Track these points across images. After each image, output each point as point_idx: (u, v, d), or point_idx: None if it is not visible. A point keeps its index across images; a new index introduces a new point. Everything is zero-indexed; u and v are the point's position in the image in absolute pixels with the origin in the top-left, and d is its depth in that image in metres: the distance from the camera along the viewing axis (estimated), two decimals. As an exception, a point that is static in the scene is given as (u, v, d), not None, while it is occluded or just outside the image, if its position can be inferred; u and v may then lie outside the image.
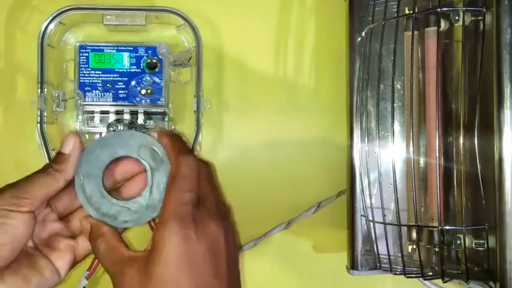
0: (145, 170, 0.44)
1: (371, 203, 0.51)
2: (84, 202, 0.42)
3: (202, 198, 0.40)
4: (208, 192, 0.41)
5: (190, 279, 0.37)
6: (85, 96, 0.54)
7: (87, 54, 0.54)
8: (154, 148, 0.43)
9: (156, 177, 0.43)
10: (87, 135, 0.55)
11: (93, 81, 0.54)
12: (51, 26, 0.52)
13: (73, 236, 0.45)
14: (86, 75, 0.54)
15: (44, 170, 0.43)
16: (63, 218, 0.46)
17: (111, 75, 0.54)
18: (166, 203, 0.40)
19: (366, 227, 0.52)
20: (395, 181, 0.48)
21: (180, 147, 0.44)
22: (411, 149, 0.49)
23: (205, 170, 0.42)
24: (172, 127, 0.56)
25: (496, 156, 0.43)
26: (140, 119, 0.54)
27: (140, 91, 0.54)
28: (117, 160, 0.45)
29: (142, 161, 0.43)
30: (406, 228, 0.50)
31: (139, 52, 0.54)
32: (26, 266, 0.41)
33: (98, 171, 0.43)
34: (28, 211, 0.40)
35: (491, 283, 0.45)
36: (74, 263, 0.45)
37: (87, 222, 0.43)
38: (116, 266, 0.40)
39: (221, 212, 0.41)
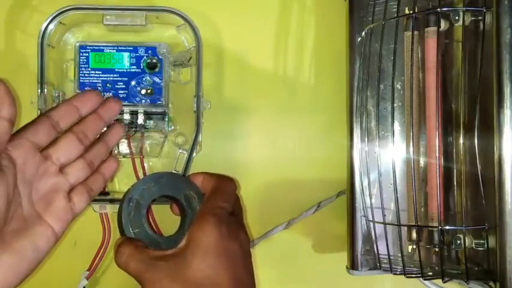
0: (183, 214, 0.47)
1: (371, 203, 0.51)
2: (126, 224, 0.45)
3: (235, 213, 0.45)
4: (239, 210, 0.47)
5: (227, 270, 0.40)
6: (85, 96, 0.54)
7: (87, 54, 0.54)
8: (198, 199, 0.47)
9: (191, 222, 0.45)
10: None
11: (93, 81, 0.54)
12: (51, 26, 0.52)
13: (71, 189, 0.44)
14: (86, 75, 0.54)
15: None
16: (63, 169, 0.44)
17: (111, 75, 0.54)
18: (203, 208, 0.44)
19: (366, 227, 0.52)
20: (395, 181, 0.48)
21: (217, 175, 0.48)
22: (411, 149, 0.49)
23: (233, 188, 0.47)
24: (172, 127, 0.56)
25: (496, 156, 0.43)
26: (140, 119, 0.54)
27: (140, 91, 0.54)
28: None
29: (184, 206, 0.47)
30: (406, 228, 0.50)
31: (139, 52, 0.54)
32: (18, 236, 0.38)
33: (146, 201, 0.46)
34: None
35: (491, 283, 0.45)
36: (69, 223, 0.43)
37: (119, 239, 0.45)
38: (146, 262, 0.41)
39: (244, 225, 0.46)
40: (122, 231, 0.45)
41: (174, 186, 0.47)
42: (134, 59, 0.54)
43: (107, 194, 0.53)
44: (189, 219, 0.46)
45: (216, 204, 0.44)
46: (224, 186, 0.46)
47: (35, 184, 0.41)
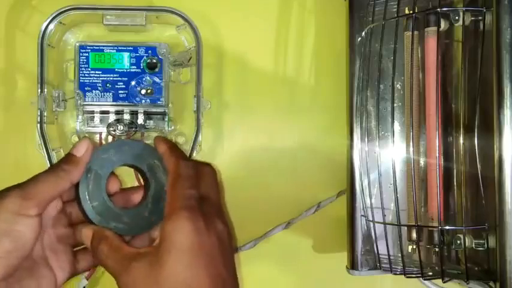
0: (147, 184, 0.44)
1: (371, 203, 0.51)
2: (84, 197, 0.42)
3: (205, 197, 0.41)
4: (210, 192, 0.42)
5: (204, 268, 0.37)
6: (85, 96, 0.54)
7: (87, 54, 0.54)
8: (163, 170, 0.44)
9: (156, 197, 0.43)
10: (87, 135, 0.55)
11: (93, 81, 0.54)
12: (51, 26, 0.52)
13: (76, 245, 0.44)
14: (86, 75, 0.54)
15: (51, 169, 0.42)
16: (73, 225, 0.45)
17: (111, 75, 0.54)
18: (171, 199, 0.40)
19: (366, 227, 0.52)
20: (395, 181, 0.48)
21: (178, 153, 0.45)
22: (411, 149, 0.49)
23: (205, 171, 0.43)
24: (172, 127, 0.56)
25: (496, 156, 0.43)
26: (140, 119, 0.54)
27: (140, 91, 0.54)
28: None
29: (147, 176, 0.44)
30: (406, 228, 0.50)
31: (139, 52, 0.54)
32: (27, 275, 0.40)
33: (106, 171, 0.43)
34: (35, 215, 0.39)
35: (491, 283, 0.45)
36: (72, 275, 0.44)
37: (88, 229, 0.43)
38: (121, 263, 0.39)
39: (222, 210, 0.42)
40: (79, 204, 0.42)
41: (137, 155, 0.43)
42: (134, 59, 0.54)
43: None
44: (152, 191, 0.43)
45: (182, 194, 0.40)
46: (183, 168, 0.42)
47: (48, 230, 0.42)
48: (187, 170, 0.42)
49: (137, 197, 0.46)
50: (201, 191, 0.41)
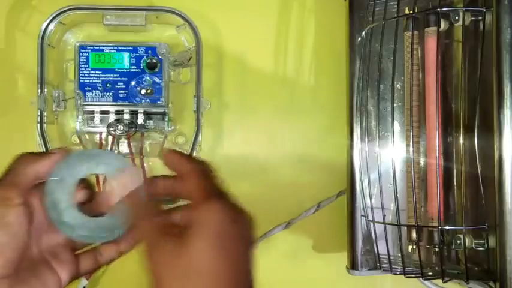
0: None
1: (371, 203, 0.51)
2: (49, 205, 0.42)
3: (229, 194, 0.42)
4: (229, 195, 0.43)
5: (227, 259, 0.37)
6: (85, 96, 0.54)
7: (87, 54, 0.54)
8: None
9: (122, 205, 0.43)
10: (87, 136, 0.55)
11: (93, 81, 0.54)
12: (51, 26, 0.52)
13: (75, 251, 0.44)
14: (86, 75, 0.54)
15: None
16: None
17: (111, 75, 0.54)
18: (198, 189, 0.40)
19: (366, 227, 0.52)
20: (395, 181, 0.48)
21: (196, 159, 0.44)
22: (411, 149, 0.49)
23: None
24: (172, 127, 0.56)
25: (496, 156, 0.43)
26: (140, 119, 0.54)
27: (140, 91, 0.54)
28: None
29: (115, 184, 0.43)
30: (406, 228, 0.50)
31: (139, 52, 0.54)
32: (30, 275, 0.41)
33: (72, 180, 0.42)
34: (20, 203, 0.40)
35: (491, 283, 0.45)
36: (75, 277, 0.44)
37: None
38: (152, 243, 0.39)
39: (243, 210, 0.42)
40: (47, 213, 0.42)
41: (106, 164, 0.43)
42: (134, 59, 0.54)
43: None
44: (118, 199, 0.43)
45: (214, 186, 0.41)
46: (206, 169, 0.42)
47: (43, 234, 0.42)
48: (210, 170, 0.42)
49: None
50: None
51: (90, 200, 0.44)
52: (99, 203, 0.45)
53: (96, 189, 0.45)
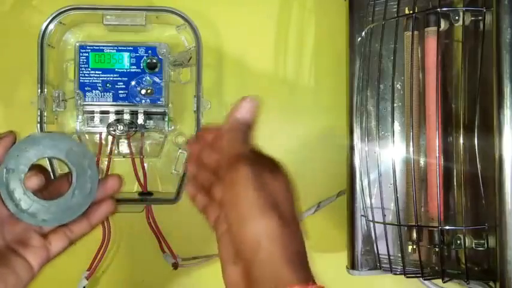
0: (70, 173, 0.44)
1: (371, 203, 0.51)
2: (5, 196, 0.42)
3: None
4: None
5: (262, 190, 0.37)
6: (85, 96, 0.54)
7: (87, 54, 0.54)
8: (83, 154, 0.44)
9: (80, 182, 0.43)
10: (87, 136, 0.55)
11: (93, 81, 0.54)
12: (51, 26, 0.52)
13: (44, 234, 0.44)
14: (86, 75, 0.54)
15: None
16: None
17: (111, 75, 0.54)
18: (229, 151, 0.40)
19: (366, 227, 0.52)
20: (395, 181, 0.48)
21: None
22: (411, 149, 0.49)
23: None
24: (172, 127, 0.56)
25: (496, 156, 0.43)
26: (140, 119, 0.54)
27: (140, 91, 0.54)
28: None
29: (68, 164, 0.44)
30: (406, 228, 0.50)
31: (139, 52, 0.54)
32: (1, 266, 0.41)
33: (24, 167, 0.42)
34: None
35: (491, 283, 0.45)
36: (47, 260, 0.44)
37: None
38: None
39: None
40: (4, 205, 0.42)
41: (52, 146, 0.43)
42: (134, 59, 0.54)
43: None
44: (75, 177, 0.43)
45: (247, 140, 0.40)
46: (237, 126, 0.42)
47: (7, 225, 0.42)
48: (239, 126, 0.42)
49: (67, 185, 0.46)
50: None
51: (46, 183, 0.44)
52: (57, 186, 0.45)
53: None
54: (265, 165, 0.40)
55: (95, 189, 0.43)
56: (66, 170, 0.44)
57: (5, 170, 0.42)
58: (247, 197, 0.37)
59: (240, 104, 0.40)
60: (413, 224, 0.48)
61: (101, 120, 0.54)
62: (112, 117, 0.54)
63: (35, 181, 0.43)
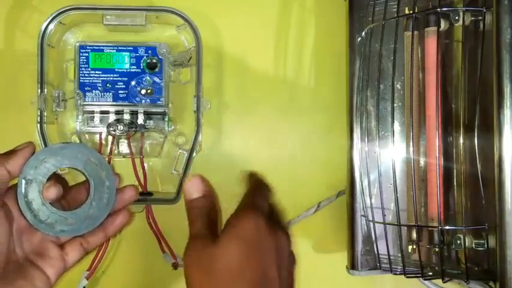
0: (88, 183, 0.44)
1: (371, 203, 0.51)
2: (24, 207, 0.42)
3: (275, 213, 0.42)
4: (279, 217, 0.43)
5: (257, 262, 0.37)
6: (85, 96, 0.54)
7: (87, 54, 0.54)
8: (100, 165, 0.44)
9: (97, 193, 0.43)
10: (87, 136, 0.55)
11: (93, 81, 0.54)
12: (51, 26, 0.52)
13: (61, 244, 0.44)
14: (86, 75, 0.54)
15: None
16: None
17: (111, 75, 0.54)
18: (244, 200, 0.41)
19: (366, 227, 0.52)
20: (395, 181, 0.48)
21: (259, 178, 0.45)
22: (411, 149, 0.49)
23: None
24: (172, 127, 0.56)
25: (496, 156, 0.43)
26: (140, 119, 0.54)
27: (140, 91, 0.54)
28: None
29: (86, 175, 0.44)
30: (406, 228, 0.50)
31: (139, 52, 0.54)
32: (18, 276, 0.41)
33: (42, 178, 0.43)
34: None
35: (491, 283, 0.45)
36: (64, 270, 0.44)
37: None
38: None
39: (288, 232, 0.42)
40: (23, 215, 0.43)
41: (71, 157, 0.43)
42: (134, 59, 0.54)
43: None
44: (93, 188, 0.43)
45: (256, 200, 0.41)
46: (262, 188, 0.44)
47: (25, 236, 0.42)
48: (264, 189, 0.43)
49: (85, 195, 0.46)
50: (272, 209, 0.42)
51: (65, 194, 0.44)
52: (74, 195, 0.45)
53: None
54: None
55: (112, 201, 0.43)
56: (78, 179, 0.44)
57: (23, 180, 0.42)
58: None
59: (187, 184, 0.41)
60: (413, 224, 0.48)
61: (101, 120, 0.54)
62: (112, 117, 0.54)
63: (54, 192, 0.43)
